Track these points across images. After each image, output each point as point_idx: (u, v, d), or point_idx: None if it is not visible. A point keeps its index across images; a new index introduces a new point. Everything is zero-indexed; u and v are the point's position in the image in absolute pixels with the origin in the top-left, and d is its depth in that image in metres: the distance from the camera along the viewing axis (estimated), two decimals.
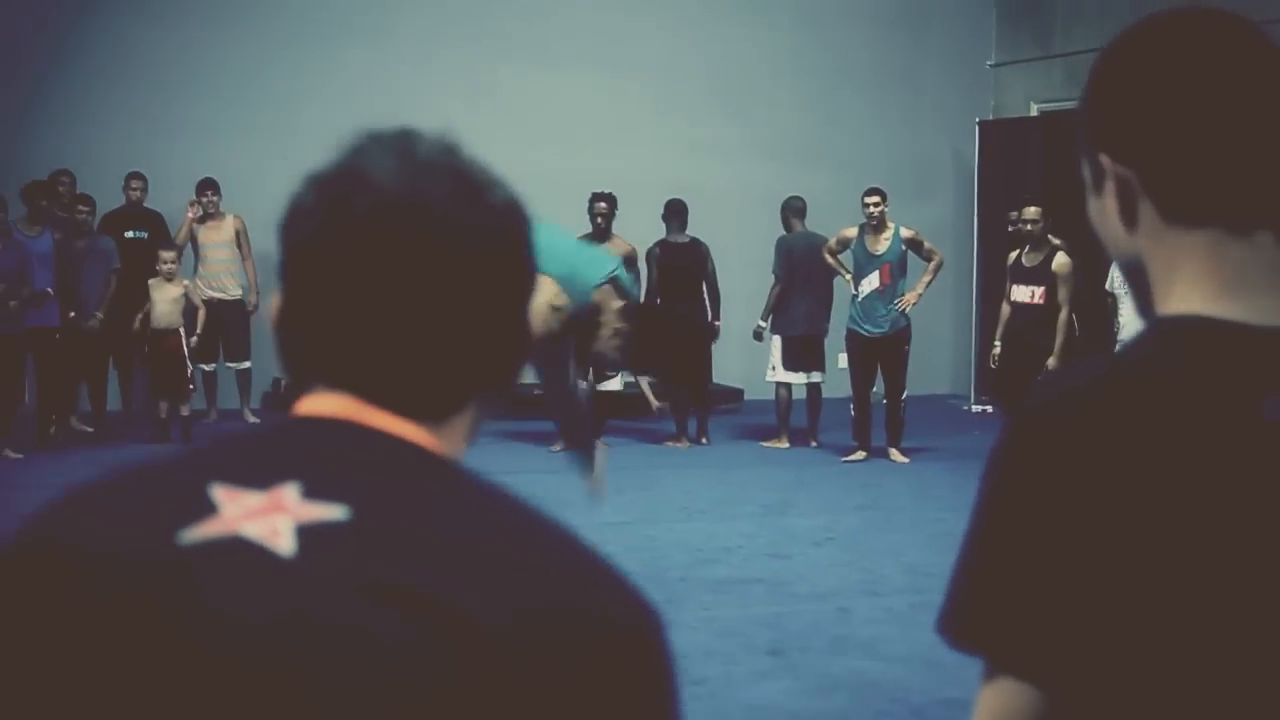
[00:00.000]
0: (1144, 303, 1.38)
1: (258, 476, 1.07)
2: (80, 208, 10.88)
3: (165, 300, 10.70)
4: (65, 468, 9.60)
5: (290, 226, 1.14)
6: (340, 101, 12.33)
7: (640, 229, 11.35)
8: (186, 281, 11.03)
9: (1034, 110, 14.13)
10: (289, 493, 1.05)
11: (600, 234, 10.76)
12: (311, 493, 1.05)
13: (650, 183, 12.07)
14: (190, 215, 11.61)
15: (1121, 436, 1.24)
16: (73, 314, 10.59)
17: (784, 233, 11.23)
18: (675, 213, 11.23)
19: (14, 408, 10.15)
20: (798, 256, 10.95)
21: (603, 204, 10.86)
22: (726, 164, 13.37)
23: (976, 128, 13.83)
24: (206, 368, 11.60)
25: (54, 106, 11.79)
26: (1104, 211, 1.38)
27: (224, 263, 11.75)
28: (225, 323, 11.54)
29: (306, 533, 1.02)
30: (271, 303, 1.16)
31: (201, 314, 10.93)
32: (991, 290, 11.64)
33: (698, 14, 13.58)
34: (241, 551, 1.02)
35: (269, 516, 1.03)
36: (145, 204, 11.62)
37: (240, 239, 11.72)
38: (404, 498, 1.07)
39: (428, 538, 1.03)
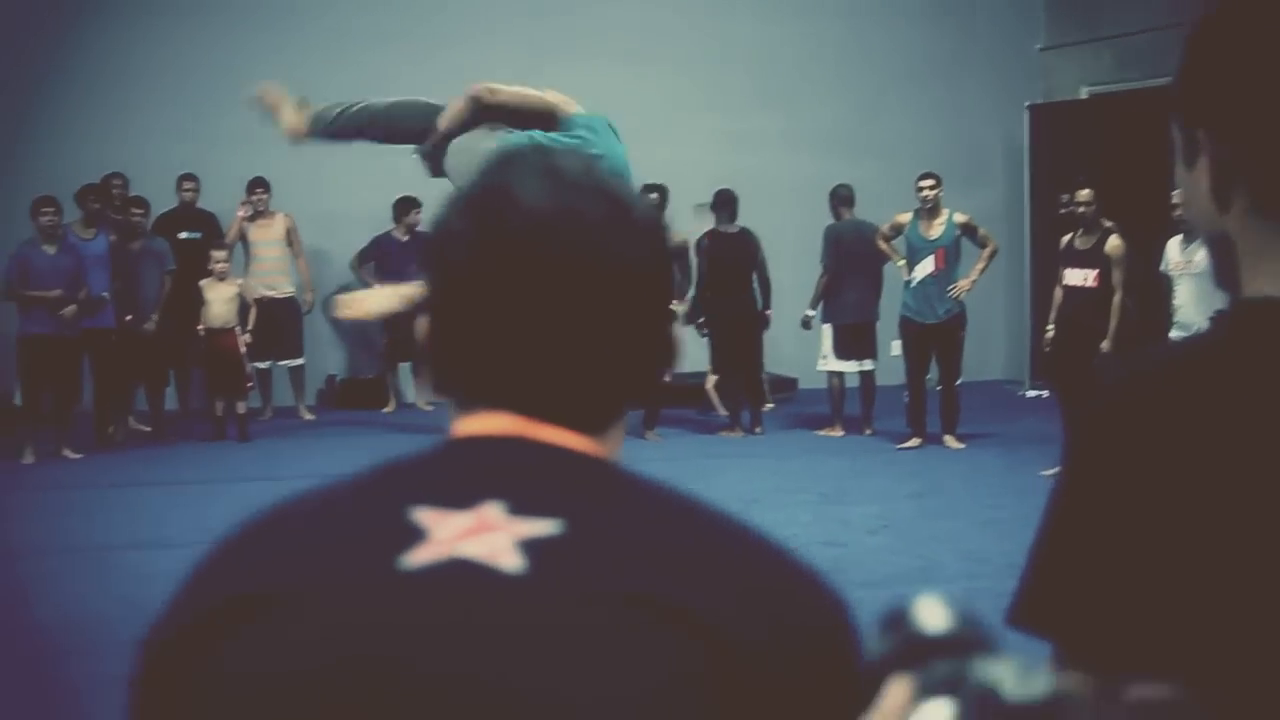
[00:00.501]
0: (1227, 280, 1.31)
1: (456, 497, 1.06)
2: (134, 210, 10.98)
3: (220, 300, 10.79)
4: (123, 467, 9.72)
5: (439, 250, 1.15)
6: None
7: (687, 221, 11.34)
8: (239, 280, 11.12)
9: (1084, 93, 14.01)
10: (494, 511, 1.05)
11: None
12: (517, 509, 1.05)
13: (696, 174, 12.04)
14: (240, 214, 11.69)
15: (1196, 422, 1.20)
16: (129, 316, 10.68)
17: (832, 221, 11.21)
18: (725, 203, 11.21)
19: (72, 408, 10.26)
20: (846, 245, 10.92)
21: (654, 195, 10.87)
22: (774, 154, 13.33)
23: (1026, 112, 13.73)
24: (261, 365, 11.69)
25: (106, 110, 11.89)
26: (1194, 185, 1.32)
27: (275, 260, 11.83)
28: (278, 320, 11.61)
29: (528, 549, 1.02)
30: (419, 326, 1.17)
31: (253, 312, 11.00)
32: (1045, 275, 11.56)
33: (744, 4, 13.55)
34: (467, 573, 1.01)
35: (484, 536, 1.03)
36: (198, 205, 11.72)
37: (291, 237, 11.81)
38: (607, 508, 1.08)
39: (644, 546, 1.04)
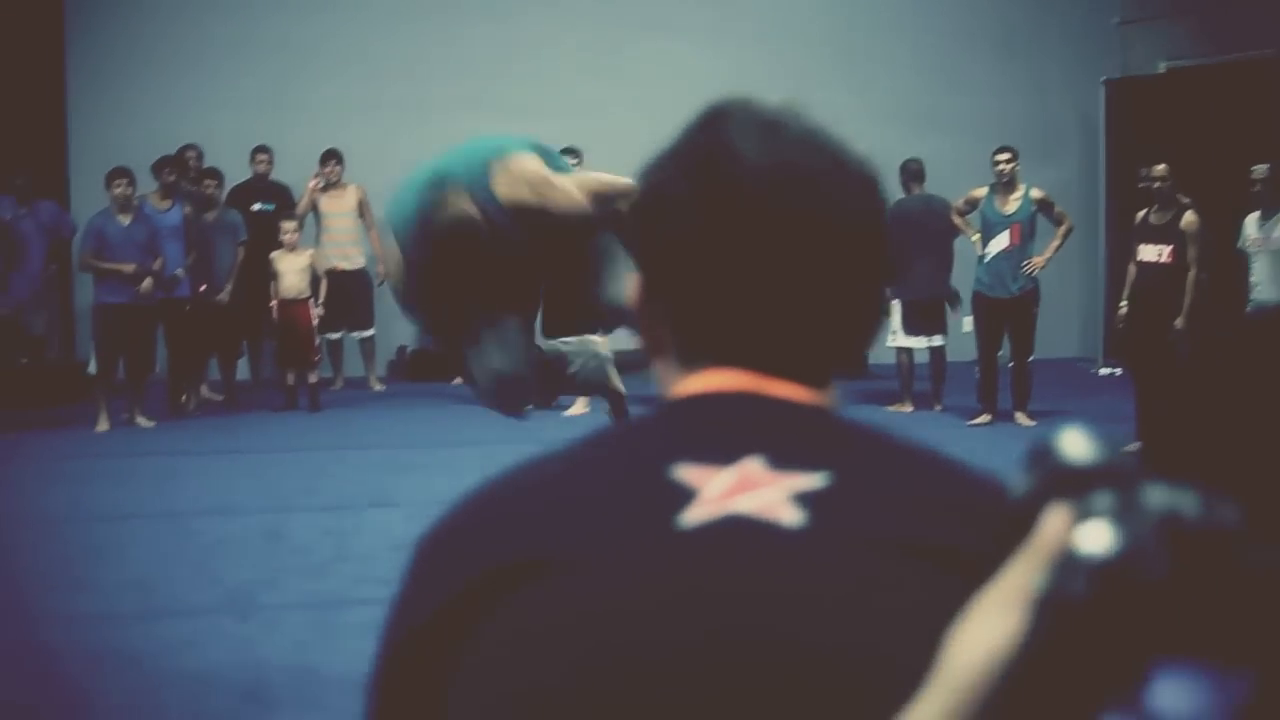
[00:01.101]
0: None
1: (715, 454, 1.03)
2: (208, 182, 11.08)
3: (291, 271, 10.86)
4: (195, 435, 9.82)
5: (655, 209, 1.13)
6: (463, 75, 12.45)
7: None
8: (311, 251, 11.18)
9: (1162, 68, 13.82)
10: (756, 466, 1.02)
11: None
12: (778, 464, 1.02)
13: None
14: (313, 185, 11.76)
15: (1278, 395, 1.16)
16: (204, 287, 10.79)
17: (902, 196, 11.11)
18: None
19: (146, 377, 10.38)
20: (914, 220, 10.80)
21: None
22: (846, 128, 13.12)
23: (1103, 87, 13.57)
24: (332, 336, 11.75)
25: (182, 83, 12.00)
26: None
27: (347, 232, 11.89)
28: (349, 292, 11.68)
29: (802, 502, 1.00)
30: (630, 285, 1.15)
31: (324, 284, 11.07)
32: (1120, 252, 11.43)
33: None
34: (747, 529, 0.98)
35: (755, 492, 1.00)
36: (271, 177, 11.80)
37: (363, 208, 11.86)
38: (864, 459, 1.06)
39: (905, 492, 1.03)
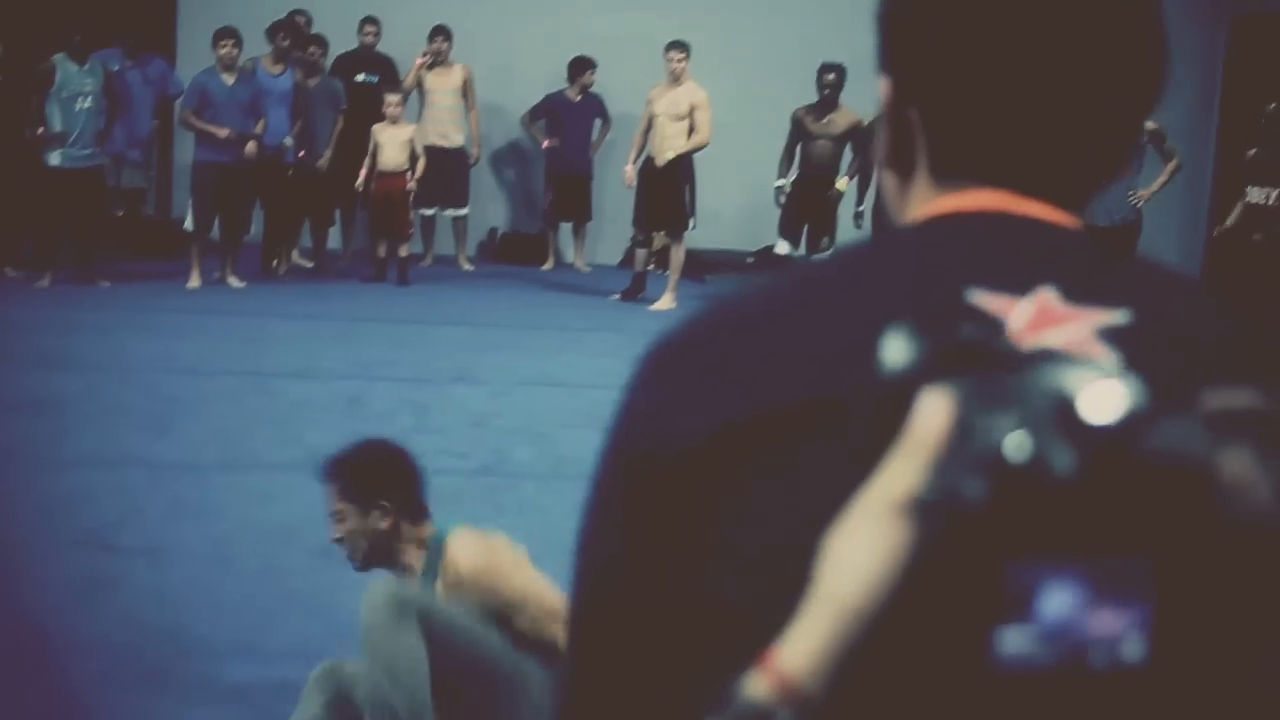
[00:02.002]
0: None
1: (1008, 281, 0.94)
2: (313, 48, 11.07)
3: (391, 143, 10.85)
4: (285, 299, 9.90)
5: (910, 7, 1.05)
6: None
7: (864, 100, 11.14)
8: (412, 125, 11.16)
9: None
10: (1051, 296, 0.94)
11: (827, 104, 10.59)
12: (1072, 296, 0.94)
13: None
14: (419, 61, 11.71)
15: None
16: (303, 153, 10.82)
17: None
18: None
19: (240, 237, 10.45)
20: None
21: (831, 75, 10.65)
22: None
23: (1228, 25, 13.22)
24: (426, 212, 11.78)
25: None
26: None
27: (449, 109, 11.82)
28: (446, 169, 11.63)
29: (1110, 339, 0.92)
30: (880, 88, 1.08)
31: (422, 160, 11.05)
32: (1226, 194, 11.19)
33: None
34: (1062, 365, 0.86)
35: (1062, 326, 0.92)
36: (378, 49, 11.77)
37: (467, 88, 11.82)
38: (1154, 293, 0.99)
39: (1208, 335, 0.97)
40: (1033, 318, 0.92)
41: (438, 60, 11.72)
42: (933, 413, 0.80)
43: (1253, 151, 9.32)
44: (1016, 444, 0.76)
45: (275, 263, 11.00)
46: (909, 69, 1.05)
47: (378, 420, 6.47)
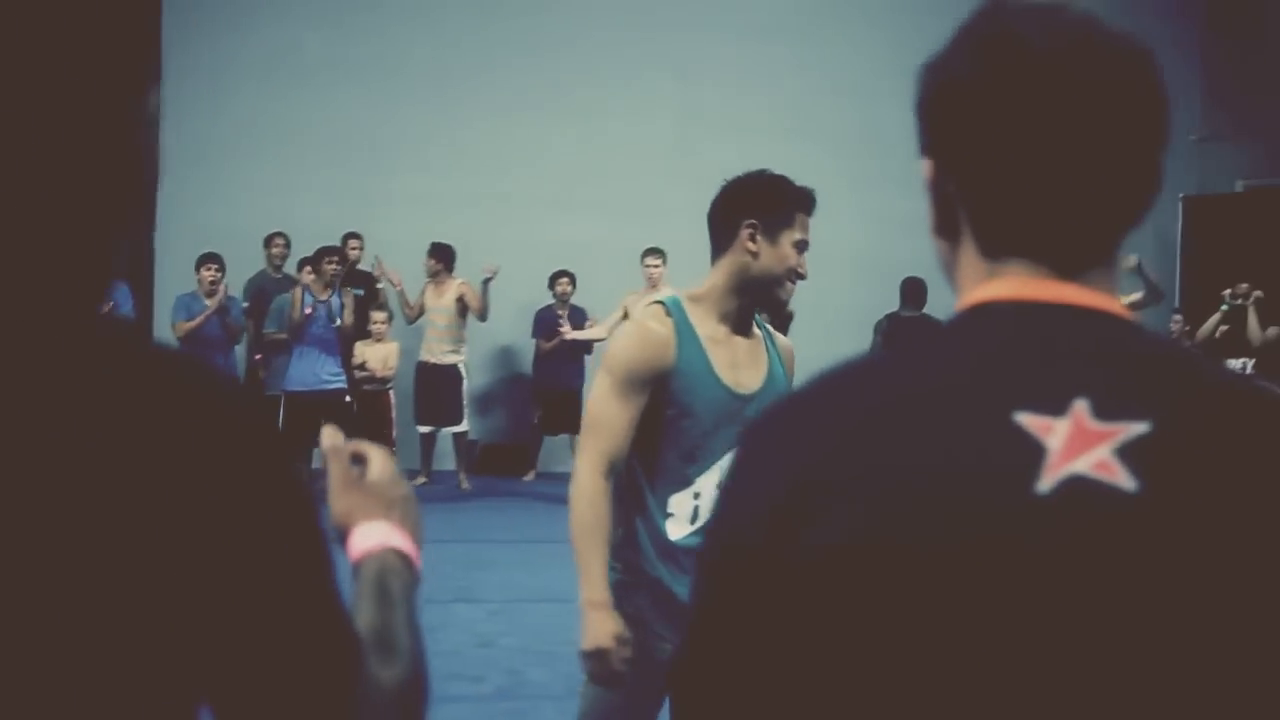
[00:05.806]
0: None
1: (1047, 397, 1.05)
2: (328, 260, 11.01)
3: (375, 359, 10.95)
4: None
5: (945, 93, 1.15)
6: (551, 171, 12.57)
7: (837, 298, 11.38)
8: (395, 343, 11.23)
9: (1239, 187, 13.84)
10: (1084, 412, 1.04)
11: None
12: (1103, 411, 1.04)
13: (842, 256, 11.99)
14: (398, 281, 11.63)
15: None
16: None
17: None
18: (910, 290, 11.38)
19: None
20: None
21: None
22: (925, 237, 13.24)
23: (1180, 203, 13.59)
24: (423, 430, 11.70)
25: (267, 170, 12.16)
26: None
27: (444, 328, 11.60)
28: (438, 388, 11.52)
29: (1129, 459, 1.02)
30: (923, 168, 1.19)
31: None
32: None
33: (897, 87, 13.54)
34: (1091, 495, 1.01)
35: (1092, 450, 1.02)
36: (359, 265, 11.81)
37: (462, 304, 11.56)
38: (1178, 396, 1.06)
39: (1231, 440, 1.04)
40: (1070, 440, 1.03)
41: (433, 276, 11.66)
42: None
43: (1211, 326, 9.51)
44: None
45: None
46: (946, 153, 1.17)
47: None
